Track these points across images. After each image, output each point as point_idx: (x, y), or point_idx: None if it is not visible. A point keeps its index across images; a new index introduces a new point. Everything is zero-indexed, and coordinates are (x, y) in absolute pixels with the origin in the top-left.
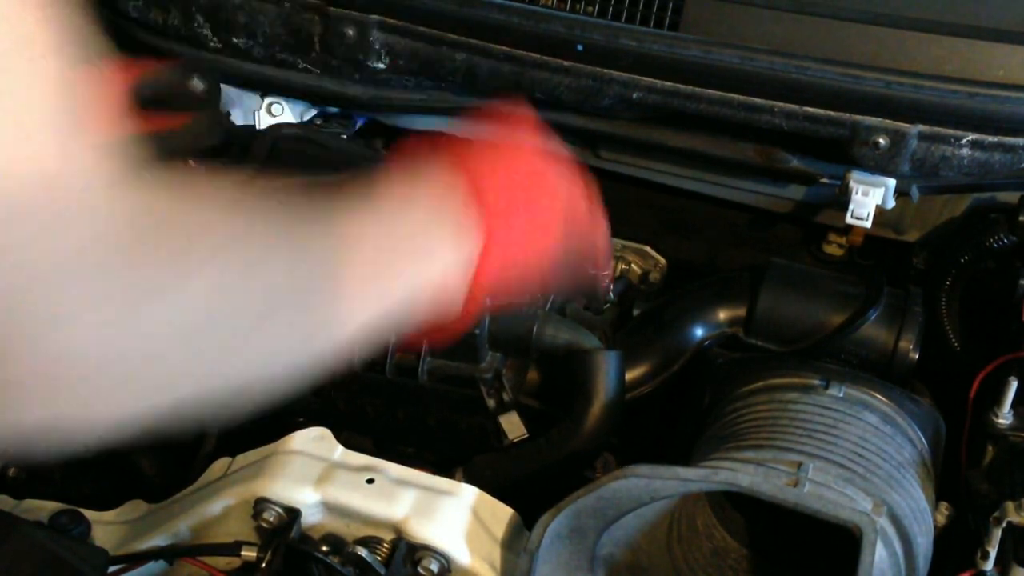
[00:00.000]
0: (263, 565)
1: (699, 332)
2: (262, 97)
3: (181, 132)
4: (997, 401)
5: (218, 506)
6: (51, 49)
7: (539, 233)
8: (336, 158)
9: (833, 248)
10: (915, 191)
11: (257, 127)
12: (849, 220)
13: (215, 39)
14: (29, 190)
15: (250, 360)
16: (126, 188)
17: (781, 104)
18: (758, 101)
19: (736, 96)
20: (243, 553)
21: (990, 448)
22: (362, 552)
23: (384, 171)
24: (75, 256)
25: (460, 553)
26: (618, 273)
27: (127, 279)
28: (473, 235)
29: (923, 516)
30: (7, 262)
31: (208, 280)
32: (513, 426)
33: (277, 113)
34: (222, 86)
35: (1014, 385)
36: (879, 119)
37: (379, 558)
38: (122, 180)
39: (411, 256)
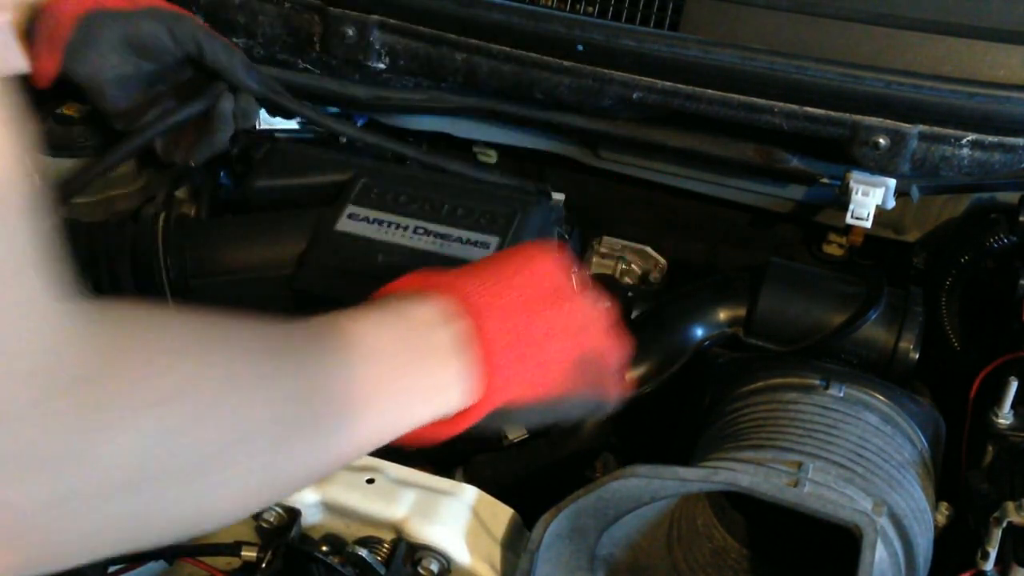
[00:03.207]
0: (263, 565)
1: (699, 332)
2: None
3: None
4: (997, 401)
5: None
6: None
7: (546, 368)
8: (334, 160)
9: (833, 248)
10: (915, 191)
11: (257, 128)
12: (849, 220)
13: None
14: None
15: (210, 502)
16: (68, 319)
17: (781, 104)
18: (758, 101)
19: (736, 96)
20: (243, 553)
21: (990, 448)
22: (362, 552)
23: (368, 306)
24: (10, 389)
25: (460, 553)
26: (618, 273)
27: (66, 417)
28: (470, 375)
29: (923, 516)
30: None
31: (164, 419)
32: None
33: None
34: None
35: (1014, 385)
36: (879, 119)
37: (379, 558)
38: (64, 312)
39: (393, 399)
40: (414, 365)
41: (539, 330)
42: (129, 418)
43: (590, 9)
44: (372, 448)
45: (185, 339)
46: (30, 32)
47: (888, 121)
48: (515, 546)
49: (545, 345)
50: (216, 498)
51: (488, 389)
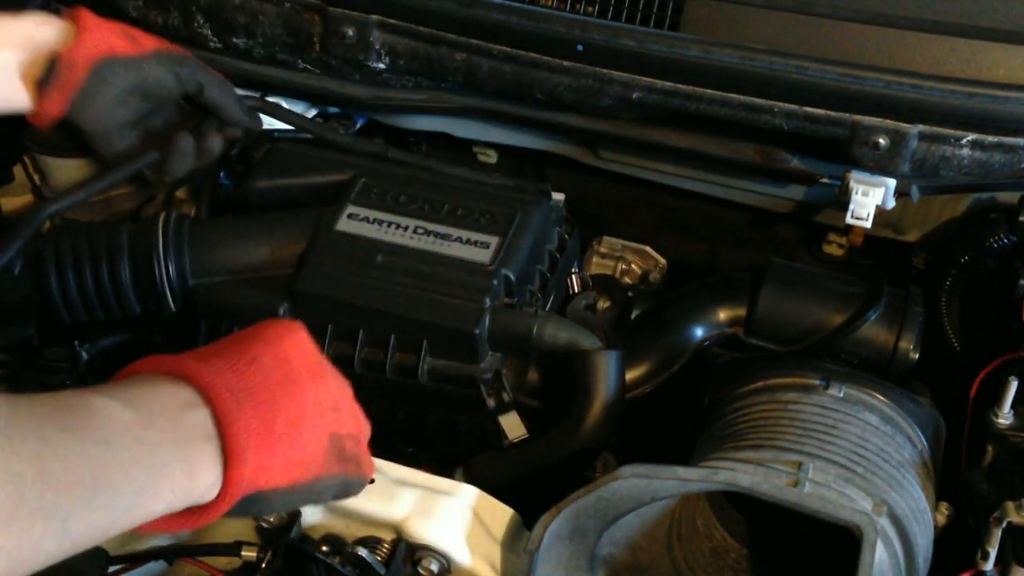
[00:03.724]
0: (263, 565)
1: (699, 332)
2: (262, 98)
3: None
4: (997, 401)
5: None
6: None
7: (298, 451)
8: (334, 160)
9: (833, 248)
10: (915, 191)
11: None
12: (849, 220)
13: (215, 39)
14: None
15: None
16: None
17: (781, 104)
18: (758, 101)
19: (736, 96)
20: (243, 553)
21: (990, 448)
22: (362, 552)
23: (110, 388)
24: None
25: (460, 553)
26: (618, 273)
27: None
28: (213, 466)
29: (923, 516)
30: None
31: None
32: (513, 426)
33: None
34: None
35: (1014, 385)
36: (879, 119)
37: (379, 558)
38: None
39: (121, 492)
40: (154, 454)
41: (289, 414)
42: None
43: (590, 9)
44: (108, 536)
45: None
46: (47, 78)
47: (888, 121)
48: (515, 546)
49: (296, 429)
50: None
51: (233, 480)
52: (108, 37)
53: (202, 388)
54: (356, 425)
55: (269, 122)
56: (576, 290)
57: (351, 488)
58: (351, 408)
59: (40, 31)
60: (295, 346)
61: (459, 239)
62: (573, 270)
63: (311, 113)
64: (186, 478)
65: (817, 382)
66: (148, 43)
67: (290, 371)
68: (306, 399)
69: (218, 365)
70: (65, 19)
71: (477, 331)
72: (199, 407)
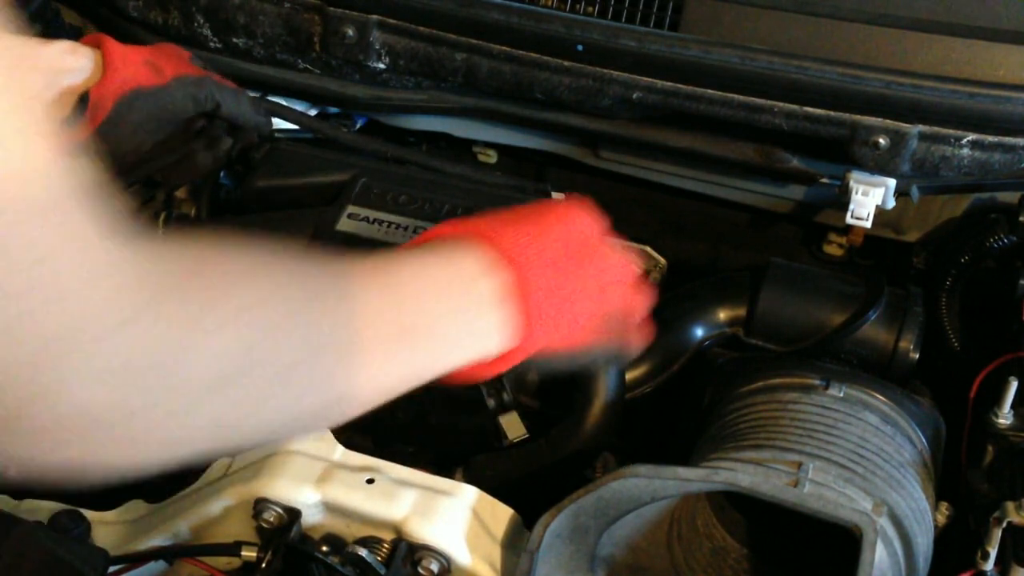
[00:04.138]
0: (263, 565)
1: (699, 332)
2: (262, 98)
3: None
4: (997, 401)
5: (218, 506)
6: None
7: (578, 320)
8: (334, 160)
9: (833, 248)
10: (915, 191)
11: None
12: (849, 220)
13: (215, 39)
14: (52, 241)
15: (274, 415)
16: (149, 241)
17: (781, 104)
18: (758, 101)
19: (736, 96)
20: (243, 553)
21: (990, 448)
22: (362, 552)
23: (417, 250)
24: (99, 309)
25: (460, 553)
26: None
27: (151, 333)
28: (508, 325)
29: (923, 516)
30: (33, 317)
31: (237, 335)
32: (513, 426)
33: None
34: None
35: (1014, 385)
36: (879, 119)
37: (379, 558)
38: (137, 242)
39: (436, 339)
40: (457, 311)
41: (574, 285)
42: (208, 332)
43: (590, 9)
44: (412, 384)
45: (250, 263)
46: (75, 114)
47: (888, 121)
48: (515, 546)
49: (578, 300)
50: (291, 407)
51: (524, 339)
52: (135, 72)
53: (499, 255)
54: (631, 303)
55: (275, 122)
56: None
57: (612, 361)
58: (629, 286)
59: (67, 60)
60: (580, 224)
61: None
62: None
63: (311, 113)
64: (482, 336)
65: (817, 382)
66: (169, 70)
67: (576, 247)
68: (588, 274)
69: (514, 234)
70: (90, 46)
71: None
72: (495, 273)
